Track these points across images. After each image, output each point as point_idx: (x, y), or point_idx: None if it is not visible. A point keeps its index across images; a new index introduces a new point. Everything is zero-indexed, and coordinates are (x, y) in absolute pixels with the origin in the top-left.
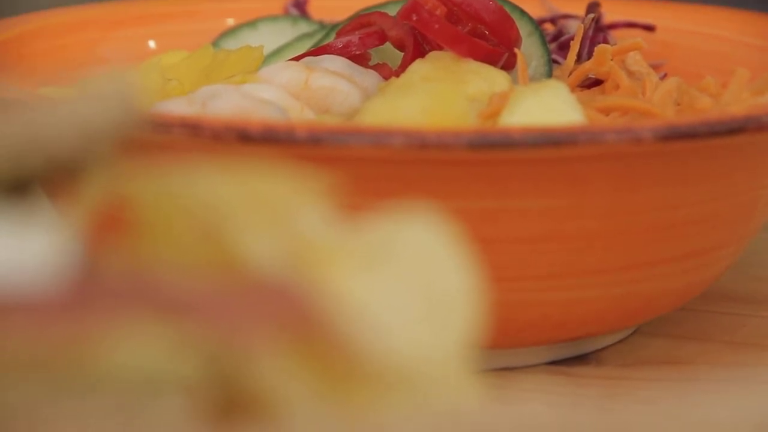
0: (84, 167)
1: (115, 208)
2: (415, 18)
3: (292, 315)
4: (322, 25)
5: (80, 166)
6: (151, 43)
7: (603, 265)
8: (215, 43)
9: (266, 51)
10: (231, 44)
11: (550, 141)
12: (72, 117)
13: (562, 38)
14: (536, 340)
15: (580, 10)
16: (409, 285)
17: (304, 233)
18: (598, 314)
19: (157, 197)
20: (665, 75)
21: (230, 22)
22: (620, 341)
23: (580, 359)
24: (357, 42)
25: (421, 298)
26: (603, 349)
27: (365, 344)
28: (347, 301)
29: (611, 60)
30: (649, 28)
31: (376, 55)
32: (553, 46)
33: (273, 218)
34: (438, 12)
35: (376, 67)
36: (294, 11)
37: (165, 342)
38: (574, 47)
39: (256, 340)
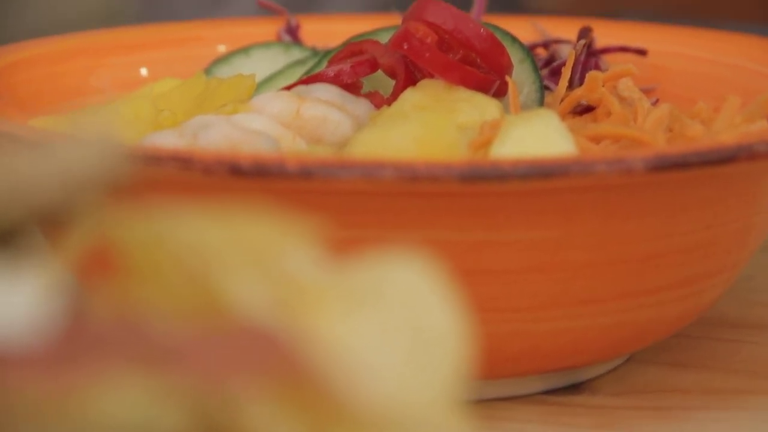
0: (70, 213)
1: (102, 252)
2: (406, 46)
3: (279, 360)
4: (314, 51)
5: (66, 212)
6: (143, 71)
7: (595, 294)
8: (208, 70)
9: (259, 77)
10: (224, 71)
11: (540, 173)
12: (56, 164)
13: (554, 64)
14: (528, 370)
15: (572, 33)
16: (397, 327)
17: (290, 276)
18: (591, 344)
19: (144, 241)
20: (657, 100)
21: (222, 48)
22: (613, 369)
23: (573, 388)
24: (348, 70)
25: (409, 340)
26: (596, 378)
27: (352, 388)
28: (334, 344)
29: (602, 86)
30: (641, 52)
31: (367, 83)
32: (545, 71)
33: (259, 262)
34: (429, 40)
35: (368, 95)
36: (287, 37)
37: (152, 390)
38: (566, 74)
39: (243, 386)
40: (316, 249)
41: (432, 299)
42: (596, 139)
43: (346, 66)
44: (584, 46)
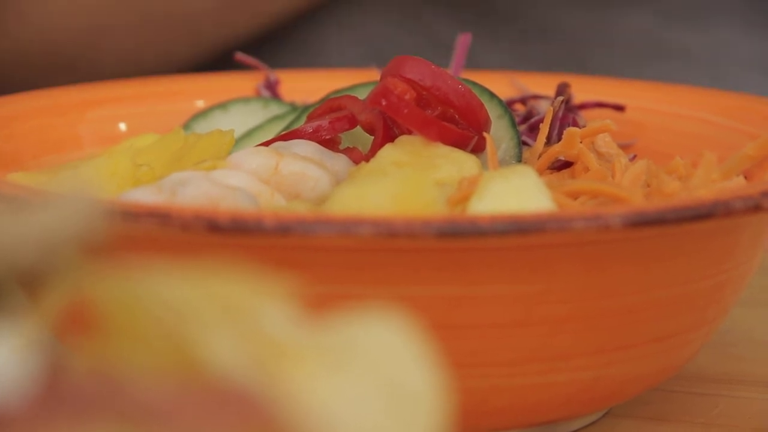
0: (49, 271)
1: (81, 310)
2: (384, 102)
3: (256, 418)
4: (293, 106)
5: (45, 270)
6: (122, 126)
7: (573, 349)
8: (187, 125)
9: (238, 132)
10: (203, 126)
11: (518, 229)
12: (35, 222)
13: (532, 120)
14: (507, 424)
15: (550, 89)
16: (374, 386)
17: (267, 335)
18: (569, 398)
19: (122, 299)
20: (635, 156)
21: (201, 103)
22: (591, 423)
23: None
24: (327, 126)
25: (386, 398)
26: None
27: None
28: (311, 403)
29: (580, 142)
30: (619, 108)
31: (346, 139)
32: (523, 127)
33: (237, 320)
34: (407, 96)
35: (347, 151)
36: (265, 92)
37: None
38: (543, 130)
39: None
40: (294, 307)
41: (409, 357)
42: (574, 195)
43: (324, 122)
44: (562, 102)
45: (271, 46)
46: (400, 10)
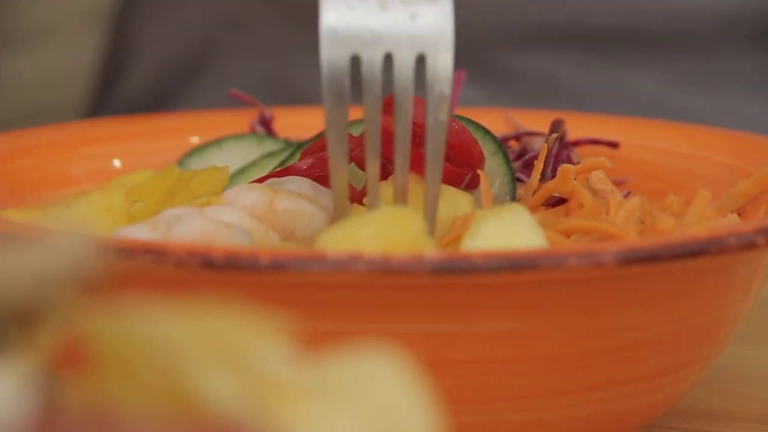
0: (43, 308)
1: (75, 347)
2: None
3: None
4: (287, 143)
5: (39, 307)
6: (116, 162)
7: (566, 386)
8: (182, 161)
9: (232, 169)
10: (197, 162)
11: (512, 266)
12: (30, 259)
13: (527, 156)
14: None
15: (544, 126)
16: (369, 424)
17: (262, 372)
18: None
19: (116, 336)
20: (629, 193)
21: (195, 140)
22: None
23: None
24: (321, 163)
25: None
26: None
27: None
28: None
29: (575, 179)
30: (613, 145)
31: None
32: (517, 164)
33: (231, 357)
34: None
35: None
36: (260, 128)
37: None
38: (538, 167)
39: None
40: (288, 344)
41: (403, 395)
42: (567, 233)
43: (318, 159)
44: (556, 138)
45: None
46: None
